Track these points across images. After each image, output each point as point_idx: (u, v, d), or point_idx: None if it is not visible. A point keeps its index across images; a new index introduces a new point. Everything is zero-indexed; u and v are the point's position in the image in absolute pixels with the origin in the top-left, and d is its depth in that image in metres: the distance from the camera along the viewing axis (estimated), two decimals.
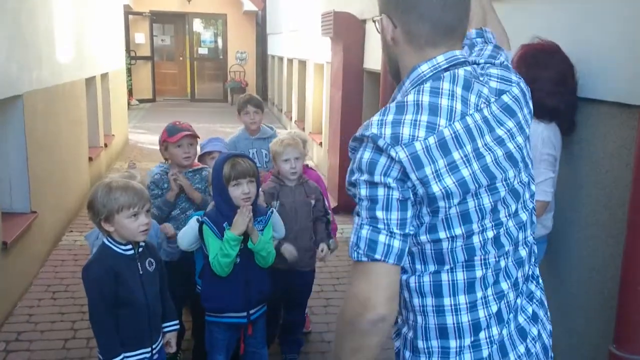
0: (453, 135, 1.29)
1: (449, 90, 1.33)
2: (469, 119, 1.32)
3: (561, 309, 2.77)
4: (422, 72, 1.37)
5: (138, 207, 2.27)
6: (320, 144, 8.39)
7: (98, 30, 7.79)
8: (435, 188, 1.27)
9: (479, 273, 1.36)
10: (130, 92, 14.67)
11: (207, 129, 10.90)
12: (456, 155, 1.28)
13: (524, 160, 1.43)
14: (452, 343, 1.36)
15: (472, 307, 1.37)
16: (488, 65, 1.48)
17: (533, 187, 1.49)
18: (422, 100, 1.31)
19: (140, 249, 2.38)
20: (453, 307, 1.36)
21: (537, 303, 1.50)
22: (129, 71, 14.14)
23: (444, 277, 1.36)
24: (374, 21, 1.50)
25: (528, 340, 1.44)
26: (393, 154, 1.26)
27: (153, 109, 15.38)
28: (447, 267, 1.35)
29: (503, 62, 1.52)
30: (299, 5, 10.52)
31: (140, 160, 8.45)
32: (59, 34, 5.65)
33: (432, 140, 1.27)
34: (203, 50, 18.07)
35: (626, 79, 2.32)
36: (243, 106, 4.06)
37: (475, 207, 1.32)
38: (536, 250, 1.52)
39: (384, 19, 1.41)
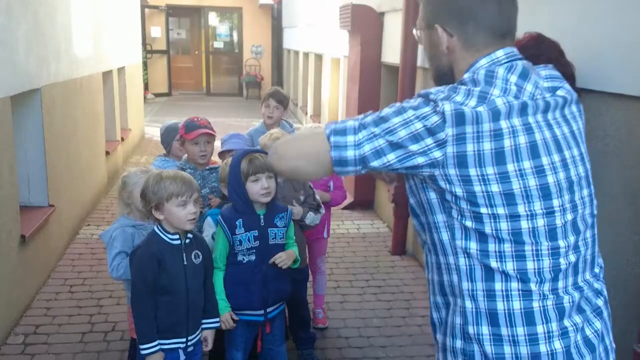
0: (505, 105, 1.28)
1: (503, 77, 1.34)
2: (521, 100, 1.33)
3: None
4: (481, 65, 1.41)
5: (186, 195, 2.33)
6: None
7: (115, 24, 7.81)
8: (470, 147, 1.26)
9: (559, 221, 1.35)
10: (146, 86, 14.72)
11: (223, 123, 10.91)
12: (504, 124, 1.27)
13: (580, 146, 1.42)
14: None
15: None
16: (537, 66, 1.49)
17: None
18: (477, 79, 1.35)
19: (188, 240, 2.43)
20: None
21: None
22: (144, 65, 14.19)
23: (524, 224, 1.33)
24: (416, 32, 1.54)
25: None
26: (440, 105, 1.27)
27: (169, 103, 15.45)
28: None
29: (549, 66, 1.53)
30: None
31: (157, 154, 8.46)
32: (77, 28, 5.66)
33: (482, 108, 1.27)
34: (218, 44, 18.08)
35: None
36: (266, 98, 4.18)
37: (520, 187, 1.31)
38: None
39: (438, 29, 1.44)
